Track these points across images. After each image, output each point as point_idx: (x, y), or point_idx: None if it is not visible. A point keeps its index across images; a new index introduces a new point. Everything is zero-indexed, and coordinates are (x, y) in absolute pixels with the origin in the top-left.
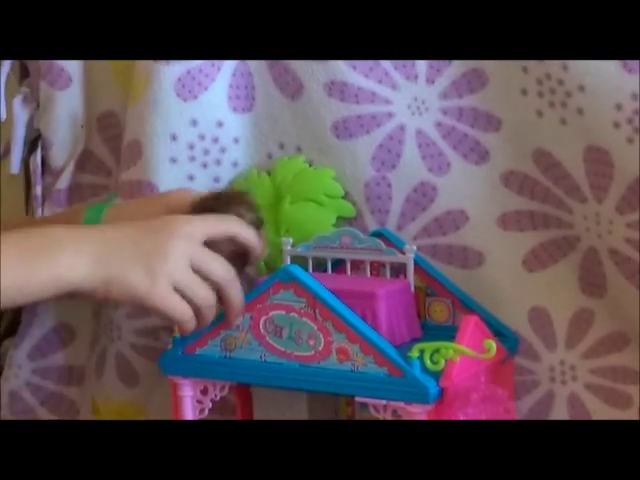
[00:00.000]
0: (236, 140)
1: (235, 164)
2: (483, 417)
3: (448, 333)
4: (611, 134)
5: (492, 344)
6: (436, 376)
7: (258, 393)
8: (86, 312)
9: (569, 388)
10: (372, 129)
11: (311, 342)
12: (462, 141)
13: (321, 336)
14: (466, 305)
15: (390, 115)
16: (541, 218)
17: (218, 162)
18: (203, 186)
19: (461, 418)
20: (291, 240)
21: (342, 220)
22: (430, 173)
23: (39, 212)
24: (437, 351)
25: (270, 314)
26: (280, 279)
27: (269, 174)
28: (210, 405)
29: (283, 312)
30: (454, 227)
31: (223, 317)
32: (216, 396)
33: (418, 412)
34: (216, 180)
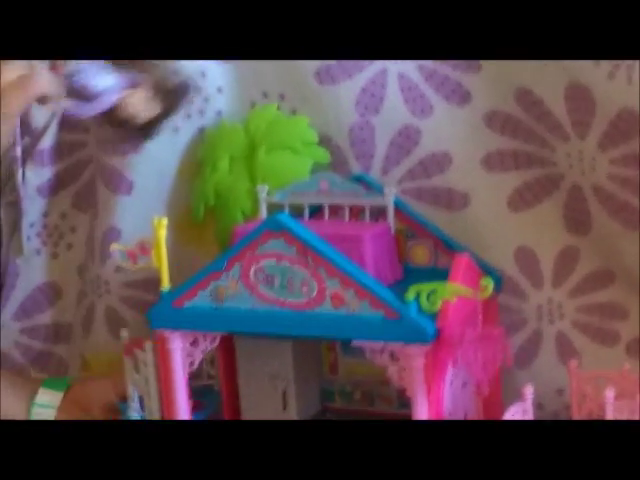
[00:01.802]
0: (219, 89)
1: (219, 113)
2: (479, 356)
3: (430, 275)
4: (591, 71)
5: (489, 282)
6: (432, 317)
7: (241, 346)
8: (71, 270)
9: (556, 326)
10: (354, 74)
11: (304, 289)
12: (444, 83)
13: (314, 283)
14: (448, 246)
15: None
16: (524, 157)
17: (202, 112)
18: (187, 137)
19: (458, 358)
20: (267, 187)
21: (325, 167)
22: (413, 116)
23: (20, 174)
24: (434, 292)
25: (261, 263)
26: (270, 228)
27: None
28: (200, 357)
29: (274, 261)
30: (439, 169)
31: (207, 270)
32: (207, 347)
33: (415, 353)
34: (200, 130)
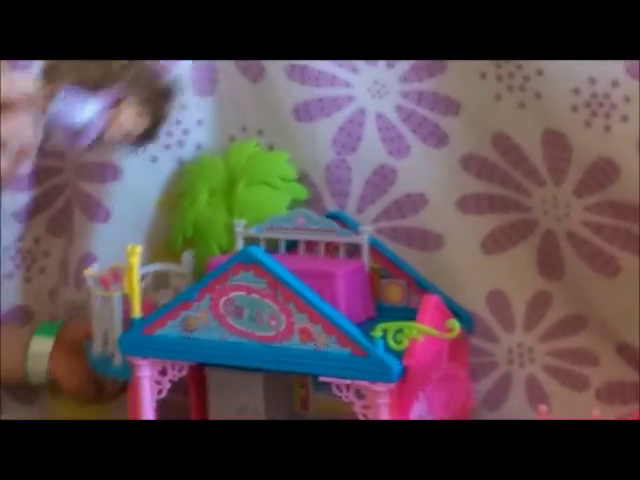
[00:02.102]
0: (199, 122)
1: (198, 146)
2: (443, 396)
3: (403, 314)
4: (569, 118)
5: (455, 323)
6: (399, 355)
7: (212, 376)
8: (44, 293)
9: (527, 370)
10: (332, 112)
11: (272, 323)
12: (422, 124)
13: (283, 317)
14: (421, 286)
15: (350, 98)
16: (500, 201)
17: (181, 144)
18: (166, 167)
19: (420, 396)
20: (243, 222)
21: (301, 203)
22: (390, 156)
23: None
24: (400, 331)
25: (230, 295)
26: (240, 260)
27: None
28: (169, 386)
29: (243, 293)
30: (414, 210)
31: (178, 299)
32: (175, 377)
33: (381, 391)
34: (179, 162)
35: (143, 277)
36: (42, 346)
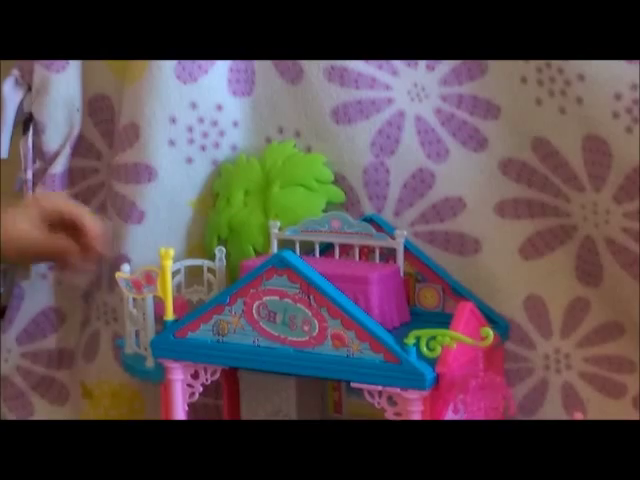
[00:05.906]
0: (235, 124)
1: (234, 147)
2: (482, 404)
3: (438, 319)
4: (610, 123)
5: (489, 332)
6: (432, 362)
7: (245, 378)
8: (76, 296)
9: (563, 376)
10: (371, 115)
11: (305, 328)
12: (461, 128)
13: (316, 322)
14: (456, 292)
15: (390, 101)
16: (539, 206)
17: (217, 145)
18: (201, 169)
19: (459, 405)
20: (278, 223)
21: (338, 206)
22: (428, 160)
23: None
24: (433, 338)
25: (264, 299)
26: (274, 265)
27: (259, 159)
28: (201, 389)
29: (277, 297)
30: (451, 214)
31: (211, 303)
32: (207, 380)
33: (414, 398)
34: (214, 163)
35: (176, 273)
36: None
